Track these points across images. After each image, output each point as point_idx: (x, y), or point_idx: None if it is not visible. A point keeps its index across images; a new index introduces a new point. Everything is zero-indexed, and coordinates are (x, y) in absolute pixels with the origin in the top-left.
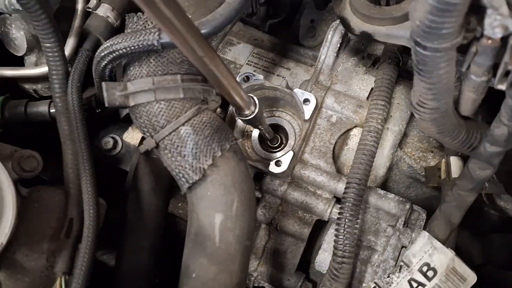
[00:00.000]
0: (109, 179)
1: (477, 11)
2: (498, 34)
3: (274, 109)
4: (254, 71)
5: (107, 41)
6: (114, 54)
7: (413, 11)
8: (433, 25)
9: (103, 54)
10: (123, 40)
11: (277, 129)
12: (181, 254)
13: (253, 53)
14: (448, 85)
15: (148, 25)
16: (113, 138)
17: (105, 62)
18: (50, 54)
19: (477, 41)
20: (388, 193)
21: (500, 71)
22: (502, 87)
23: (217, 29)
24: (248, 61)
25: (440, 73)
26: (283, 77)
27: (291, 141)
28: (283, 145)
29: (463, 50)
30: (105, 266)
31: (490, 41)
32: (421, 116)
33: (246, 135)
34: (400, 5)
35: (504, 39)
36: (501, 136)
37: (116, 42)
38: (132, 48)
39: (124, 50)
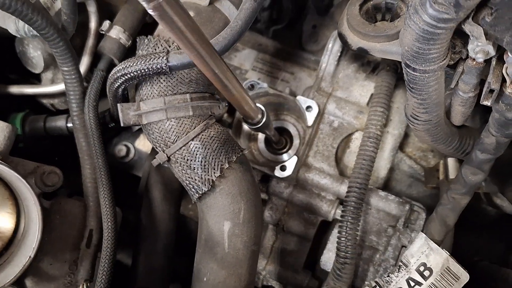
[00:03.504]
0: (124, 183)
1: (461, 35)
2: (480, 58)
3: (279, 112)
4: (258, 77)
5: (120, 64)
6: (126, 77)
7: (402, 37)
8: (420, 51)
9: (116, 76)
10: (134, 64)
11: (283, 131)
12: (192, 251)
13: (258, 58)
14: (438, 100)
15: (158, 47)
16: (126, 145)
17: (118, 83)
18: (67, 76)
19: (463, 62)
20: (389, 194)
21: (484, 89)
22: (487, 103)
23: (221, 52)
24: (253, 66)
25: (430, 90)
26: (287, 81)
27: (296, 143)
28: (288, 146)
29: (453, 66)
30: (120, 264)
31: (474, 62)
32: (415, 127)
33: (253, 138)
34: (393, 23)
35: (487, 60)
36: (490, 145)
37: (128, 66)
38: (143, 71)
39: (135, 73)
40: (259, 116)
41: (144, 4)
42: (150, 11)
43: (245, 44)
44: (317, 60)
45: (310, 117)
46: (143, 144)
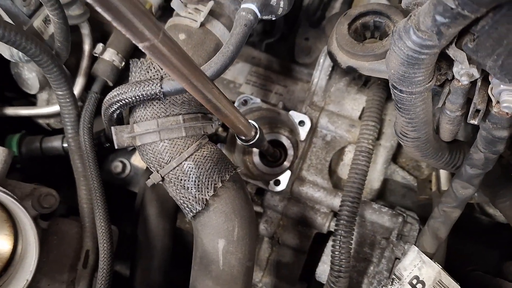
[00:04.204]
0: (121, 198)
1: (446, 58)
2: (465, 81)
3: (273, 126)
4: (252, 92)
5: (114, 90)
6: (121, 103)
7: (388, 61)
8: (406, 75)
9: (111, 102)
10: (129, 90)
11: (277, 144)
12: (189, 263)
13: (252, 71)
14: (426, 118)
15: (151, 69)
16: (122, 162)
17: (113, 109)
18: (62, 100)
19: (449, 82)
20: (382, 207)
21: (471, 109)
22: (474, 122)
23: (213, 77)
24: (247, 80)
25: (417, 110)
26: (280, 94)
27: (290, 155)
28: (282, 158)
29: (440, 85)
30: (119, 275)
31: (460, 84)
32: (405, 144)
33: (247, 151)
34: (381, 42)
35: (473, 81)
36: (479, 160)
37: (122, 92)
38: (137, 97)
39: (130, 100)
40: (253, 133)
41: (136, 44)
42: (142, 49)
43: (238, 58)
44: (310, 72)
45: (303, 132)
46: (139, 160)
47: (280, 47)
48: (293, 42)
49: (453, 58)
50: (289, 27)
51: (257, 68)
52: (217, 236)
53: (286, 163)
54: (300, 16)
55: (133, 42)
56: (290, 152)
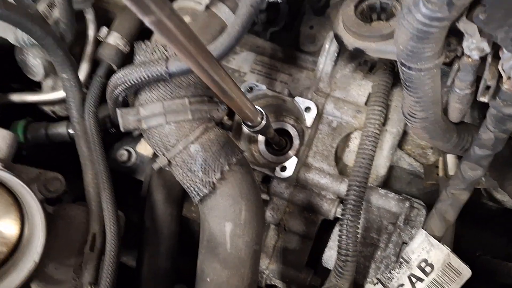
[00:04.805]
0: (128, 187)
1: (456, 33)
2: (475, 56)
3: (278, 114)
4: (257, 79)
5: (119, 71)
6: (126, 85)
7: (397, 37)
8: (415, 50)
9: (116, 84)
10: (134, 72)
11: (282, 132)
12: (195, 252)
13: (256, 60)
14: (434, 97)
15: (156, 52)
16: (127, 150)
17: (118, 91)
18: (67, 83)
19: (458, 59)
20: (389, 192)
21: (481, 86)
22: (484, 99)
23: (219, 57)
24: (252, 68)
25: (426, 88)
26: (285, 83)
27: (295, 144)
28: (288, 147)
29: (449, 63)
30: (125, 266)
31: (470, 60)
32: (413, 125)
33: (253, 140)
34: (388, 22)
35: (483, 57)
36: (488, 140)
37: (127, 73)
38: (143, 78)
39: (135, 81)
40: (259, 119)
41: (142, 18)
42: (148, 25)
43: (243, 47)
44: (315, 60)
45: (309, 118)
46: (144, 148)
47: (285, 35)
48: (297, 30)
49: (464, 32)
50: (294, 15)
51: (261, 57)
52: (224, 219)
53: (292, 152)
54: (305, 4)
55: (139, 16)
56: (296, 140)
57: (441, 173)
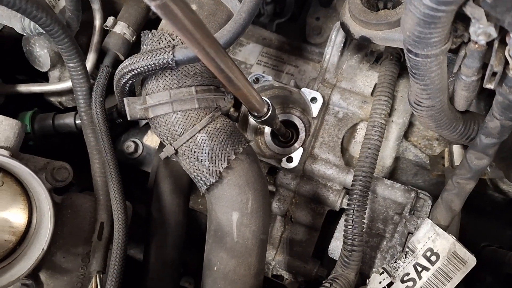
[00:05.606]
0: (134, 179)
1: (463, 19)
2: (482, 41)
3: (285, 106)
4: (263, 71)
5: (126, 60)
6: (133, 73)
7: (403, 22)
8: (422, 35)
9: (123, 72)
10: (141, 60)
11: (289, 124)
12: (202, 244)
13: (263, 52)
14: (441, 85)
15: (162, 41)
16: (134, 142)
17: (125, 79)
18: (74, 72)
19: (465, 45)
20: (394, 183)
21: (487, 72)
22: (490, 86)
23: (226, 45)
24: (258, 60)
25: (432, 75)
26: (292, 74)
27: (302, 135)
28: (294, 139)
29: (455, 50)
30: (133, 259)
31: (476, 46)
32: (419, 114)
33: (259, 131)
34: (395, 10)
35: (489, 43)
36: (495, 129)
37: (134, 62)
38: (149, 66)
39: (141, 69)
40: (265, 109)
41: (148, 2)
42: (154, 9)
43: (249, 39)
44: (321, 52)
45: (315, 109)
46: (151, 140)
47: (291, 27)
48: (304, 22)
49: (471, 16)
50: (300, 6)
51: (268, 48)
52: (231, 208)
53: (298, 143)
54: None
55: (146, 1)
56: (302, 131)
57: (447, 163)
